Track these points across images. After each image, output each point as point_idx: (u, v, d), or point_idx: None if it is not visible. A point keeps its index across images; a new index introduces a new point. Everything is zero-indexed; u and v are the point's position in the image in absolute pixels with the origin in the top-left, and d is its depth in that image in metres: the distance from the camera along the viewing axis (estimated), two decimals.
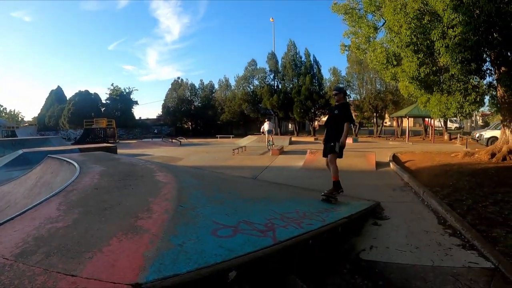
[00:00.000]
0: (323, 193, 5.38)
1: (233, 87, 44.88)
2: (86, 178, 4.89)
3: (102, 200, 3.63)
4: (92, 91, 51.38)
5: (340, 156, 5.40)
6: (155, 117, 60.59)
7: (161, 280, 1.90)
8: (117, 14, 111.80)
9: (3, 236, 2.57)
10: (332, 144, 5.37)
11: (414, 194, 6.79)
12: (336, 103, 5.66)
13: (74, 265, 1.98)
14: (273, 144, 18.51)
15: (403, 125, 32.77)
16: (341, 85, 34.08)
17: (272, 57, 40.90)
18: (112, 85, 52.58)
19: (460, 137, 23.01)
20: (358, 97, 34.86)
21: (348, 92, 35.18)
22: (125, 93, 51.76)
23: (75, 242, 2.38)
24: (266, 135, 19.03)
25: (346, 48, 15.50)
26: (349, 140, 23.95)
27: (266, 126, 19.11)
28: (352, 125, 31.07)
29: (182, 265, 2.15)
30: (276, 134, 36.22)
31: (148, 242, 2.48)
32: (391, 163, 10.75)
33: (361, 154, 11.92)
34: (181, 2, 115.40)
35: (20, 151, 15.66)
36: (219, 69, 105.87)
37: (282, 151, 15.50)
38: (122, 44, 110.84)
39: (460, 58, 9.28)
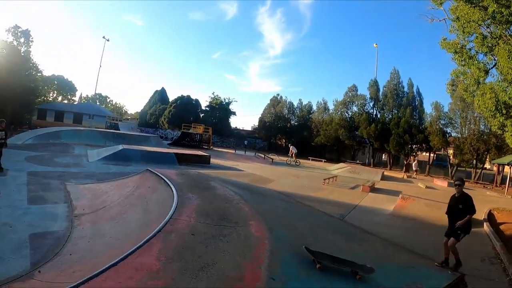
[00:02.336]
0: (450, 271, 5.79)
1: (331, 110, 44.77)
2: (183, 216, 5.41)
3: (198, 256, 4.04)
4: (193, 96, 56.07)
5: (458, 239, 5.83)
6: (249, 129, 62.98)
7: None
8: (224, 26, 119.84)
9: None
10: (459, 232, 5.82)
11: (502, 271, 6.27)
12: (458, 194, 6.31)
13: None
14: (295, 161, 27.48)
15: (505, 170, 29.07)
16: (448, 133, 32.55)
17: (374, 84, 39.74)
18: (213, 93, 56.69)
19: None
20: (459, 136, 31.78)
21: (449, 130, 33.11)
22: (224, 103, 55.11)
23: None
24: (294, 155, 27.77)
25: (453, 88, 14.70)
26: (443, 184, 22.07)
27: (294, 150, 28.01)
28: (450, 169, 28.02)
29: None
30: (369, 165, 36.86)
31: None
32: (485, 223, 9.82)
33: None
34: (285, 18, 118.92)
35: (120, 147, 17.59)
36: (316, 88, 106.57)
37: (372, 188, 15.21)
38: (225, 54, 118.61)
39: None
